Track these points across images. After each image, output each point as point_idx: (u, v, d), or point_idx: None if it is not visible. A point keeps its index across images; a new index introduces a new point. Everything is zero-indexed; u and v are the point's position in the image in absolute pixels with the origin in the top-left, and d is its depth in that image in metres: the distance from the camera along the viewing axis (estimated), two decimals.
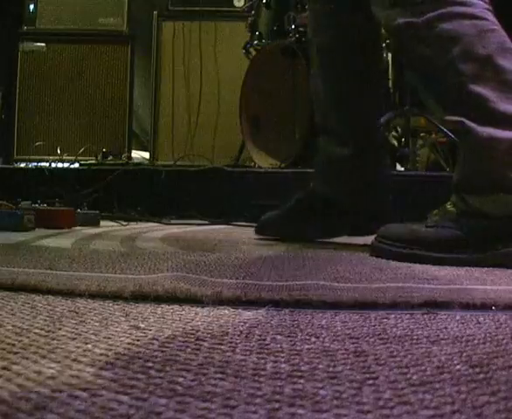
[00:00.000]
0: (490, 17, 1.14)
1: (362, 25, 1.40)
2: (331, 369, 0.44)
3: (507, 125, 1.06)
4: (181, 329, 0.56)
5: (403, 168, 3.06)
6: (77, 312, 0.62)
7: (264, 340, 0.53)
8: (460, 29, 1.12)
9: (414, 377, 0.42)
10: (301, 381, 0.41)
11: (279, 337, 0.54)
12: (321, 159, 1.56)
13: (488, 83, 1.08)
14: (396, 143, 3.08)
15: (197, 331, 0.55)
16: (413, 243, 1.15)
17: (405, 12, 1.18)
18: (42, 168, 2.60)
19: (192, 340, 0.52)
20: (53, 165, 2.84)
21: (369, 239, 1.28)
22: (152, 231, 1.78)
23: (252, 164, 2.79)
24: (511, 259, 1.06)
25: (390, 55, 3.30)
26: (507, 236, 1.08)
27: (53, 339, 0.51)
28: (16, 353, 0.46)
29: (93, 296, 0.71)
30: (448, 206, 1.18)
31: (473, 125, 1.08)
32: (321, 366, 0.45)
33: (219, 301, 0.70)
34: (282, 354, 0.48)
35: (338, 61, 1.46)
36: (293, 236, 1.51)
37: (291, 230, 1.53)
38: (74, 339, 0.51)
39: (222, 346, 0.50)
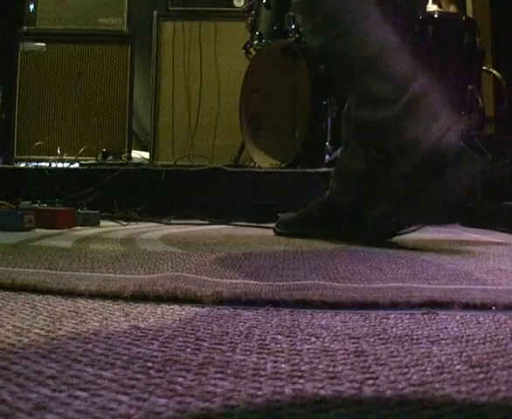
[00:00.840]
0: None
1: None
2: (331, 369, 0.44)
3: (385, 103, 1.29)
4: (181, 329, 0.56)
5: None
6: (77, 312, 0.62)
7: (264, 339, 0.53)
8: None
9: (414, 377, 0.42)
10: (301, 381, 0.41)
11: (279, 337, 0.54)
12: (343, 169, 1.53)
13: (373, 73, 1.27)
14: None
15: (197, 331, 0.55)
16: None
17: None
18: (42, 168, 2.60)
19: (192, 339, 0.52)
20: (53, 165, 2.84)
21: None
22: (152, 231, 1.78)
23: (252, 164, 2.79)
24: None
25: None
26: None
27: (53, 338, 0.51)
28: (16, 352, 0.46)
29: (93, 296, 0.71)
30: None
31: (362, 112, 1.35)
32: (321, 366, 0.45)
33: (219, 301, 0.70)
34: (282, 354, 0.48)
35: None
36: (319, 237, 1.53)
37: (319, 231, 1.55)
38: (74, 338, 0.51)
39: (222, 346, 0.50)
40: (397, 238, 1.43)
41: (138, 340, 0.51)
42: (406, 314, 0.64)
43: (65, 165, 2.85)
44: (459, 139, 1.22)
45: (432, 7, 3.41)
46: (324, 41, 1.35)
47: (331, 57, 1.37)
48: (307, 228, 1.56)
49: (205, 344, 0.50)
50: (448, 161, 1.20)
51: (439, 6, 3.42)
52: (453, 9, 3.47)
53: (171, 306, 0.67)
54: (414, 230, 1.57)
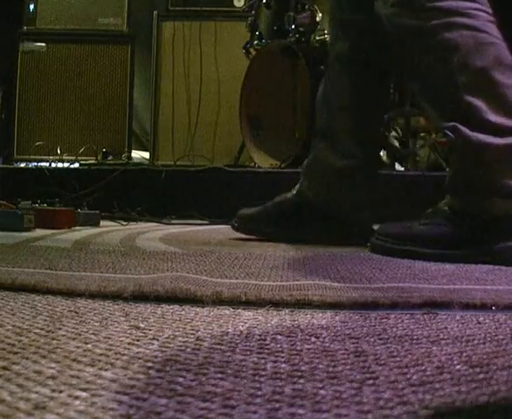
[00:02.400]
0: (491, 29, 1.17)
1: (380, 38, 1.34)
2: (331, 369, 0.44)
3: (495, 133, 1.11)
4: (181, 329, 0.56)
5: (403, 168, 3.06)
6: (77, 312, 0.62)
7: (264, 339, 0.53)
8: (460, 39, 1.14)
9: (414, 377, 0.42)
10: (301, 381, 0.41)
11: (279, 337, 0.54)
12: (317, 165, 1.50)
13: (481, 94, 1.12)
14: (397, 144, 3.08)
15: (197, 331, 0.55)
16: (407, 239, 1.20)
17: (412, 15, 1.19)
18: (42, 168, 2.60)
19: (192, 339, 0.52)
20: (53, 165, 2.84)
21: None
22: (152, 231, 1.78)
23: (252, 164, 2.79)
24: (498, 256, 1.10)
25: None
26: (494, 235, 1.12)
27: (53, 339, 0.51)
28: (16, 353, 0.46)
29: (93, 296, 0.71)
30: (441, 205, 1.22)
31: (464, 129, 1.12)
32: (321, 366, 0.45)
33: (219, 301, 0.70)
34: (282, 354, 0.48)
35: (355, 71, 1.44)
36: (275, 238, 1.47)
37: (276, 230, 1.50)
38: (74, 339, 0.51)
39: (222, 347, 0.50)
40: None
41: (138, 340, 0.51)
42: (406, 314, 0.64)
43: (65, 165, 2.85)
44: None
45: None
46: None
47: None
48: (270, 227, 1.49)
49: (205, 344, 0.50)
50: None
51: None
52: None
53: (171, 306, 0.67)
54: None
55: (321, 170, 1.49)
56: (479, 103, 1.11)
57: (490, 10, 1.20)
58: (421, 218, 1.22)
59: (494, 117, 1.11)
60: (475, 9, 1.17)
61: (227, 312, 0.65)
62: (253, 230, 1.52)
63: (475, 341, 0.53)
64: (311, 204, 1.47)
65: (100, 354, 0.46)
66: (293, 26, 2.67)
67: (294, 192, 1.51)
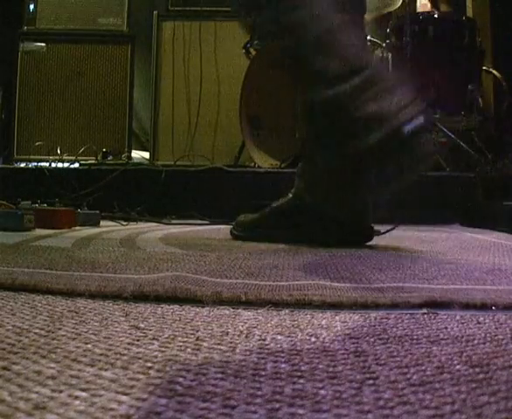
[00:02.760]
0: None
1: None
2: (331, 369, 0.44)
3: (341, 81, 1.19)
4: (181, 329, 0.56)
5: None
6: (77, 312, 0.62)
7: (264, 340, 0.53)
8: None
9: (414, 377, 0.42)
10: (301, 381, 0.41)
11: (279, 337, 0.54)
12: (309, 166, 1.49)
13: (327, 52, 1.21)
14: None
15: (197, 331, 0.55)
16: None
17: None
18: (42, 168, 2.60)
19: (192, 339, 0.52)
20: (53, 165, 2.84)
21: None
22: (152, 231, 1.78)
23: (252, 164, 2.79)
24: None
25: (390, 55, 3.31)
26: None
27: (53, 339, 0.51)
28: (16, 353, 0.46)
29: (93, 296, 0.71)
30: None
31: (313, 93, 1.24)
32: (321, 366, 0.45)
33: (219, 301, 0.70)
34: (282, 354, 0.48)
35: None
36: (274, 241, 1.46)
37: (275, 233, 1.48)
38: (74, 339, 0.51)
39: (222, 347, 0.50)
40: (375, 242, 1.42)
41: (138, 340, 0.51)
42: (406, 314, 0.64)
43: (65, 165, 2.85)
44: (419, 114, 1.17)
45: (427, 5, 3.42)
46: (275, 14, 1.25)
47: (283, 32, 1.27)
48: (268, 230, 1.48)
49: (205, 344, 0.50)
50: (409, 135, 1.17)
51: (433, 5, 3.43)
52: (444, 8, 3.48)
53: (171, 306, 0.67)
54: (391, 230, 1.58)
55: (315, 171, 1.48)
56: (324, 62, 1.20)
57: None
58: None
59: (338, 70, 1.17)
60: None
61: (227, 312, 0.65)
62: (252, 236, 1.51)
63: (475, 341, 0.53)
64: (308, 206, 1.47)
65: (100, 354, 0.46)
66: None
67: (291, 195, 1.51)
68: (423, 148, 1.15)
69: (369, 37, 3.35)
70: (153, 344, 0.50)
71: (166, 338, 0.52)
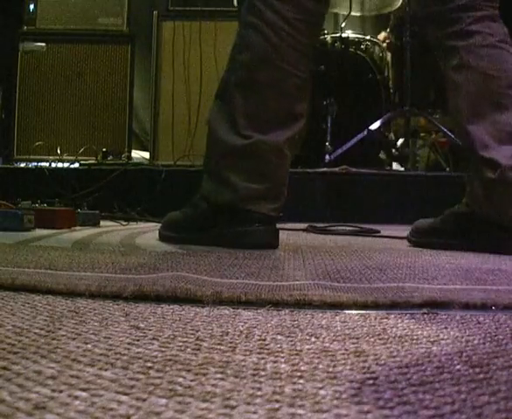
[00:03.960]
0: (285, 53, 1.31)
1: None
2: (331, 369, 0.44)
3: (234, 133, 1.33)
4: (181, 329, 0.56)
5: (403, 168, 3.06)
6: (77, 312, 0.62)
7: (264, 340, 0.53)
8: (253, 44, 1.33)
9: (414, 377, 0.42)
10: (301, 381, 0.41)
11: (279, 337, 0.54)
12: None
13: (243, 97, 1.32)
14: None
15: (197, 331, 0.55)
16: (165, 225, 1.48)
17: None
18: (42, 168, 2.60)
19: (192, 339, 0.52)
20: (53, 165, 2.84)
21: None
22: (152, 231, 1.78)
23: None
24: (223, 240, 1.30)
25: (389, 55, 3.31)
26: (217, 220, 1.33)
27: (53, 339, 0.51)
28: (16, 353, 0.46)
29: (93, 296, 0.71)
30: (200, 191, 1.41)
31: (217, 126, 1.36)
32: (321, 366, 0.45)
33: (219, 301, 0.70)
34: (282, 354, 0.48)
35: None
36: (454, 248, 1.39)
37: (455, 242, 1.40)
38: (74, 339, 0.51)
39: (222, 347, 0.50)
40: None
41: (138, 340, 0.51)
42: (406, 314, 0.64)
43: (65, 165, 2.85)
44: None
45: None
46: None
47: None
48: (448, 237, 1.40)
49: (205, 344, 0.50)
50: None
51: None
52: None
53: (171, 306, 0.67)
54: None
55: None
56: (237, 102, 1.33)
57: (306, 39, 1.34)
58: (188, 205, 1.44)
59: (239, 121, 1.32)
60: (286, 31, 1.31)
61: (227, 312, 0.65)
62: (431, 242, 1.44)
63: (475, 341, 0.53)
64: (473, 214, 1.38)
65: (100, 354, 0.46)
66: None
67: (464, 202, 1.43)
68: None
69: (368, 37, 3.36)
70: (153, 344, 0.50)
71: (166, 338, 0.52)
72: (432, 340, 0.53)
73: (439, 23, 1.38)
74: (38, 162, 3.01)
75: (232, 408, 0.35)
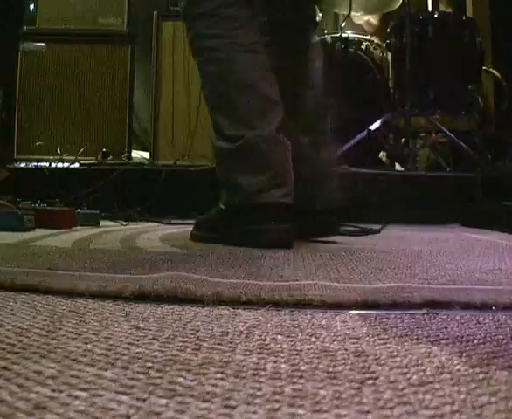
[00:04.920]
0: (238, 58, 1.42)
1: None
2: (331, 369, 0.44)
3: (230, 141, 1.41)
4: (181, 329, 0.56)
5: (403, 168, 3.06)
6: (77, 312, 0.62)
7: (264, 340, 0.53)
8: (209, 71, 1.46)
9: (414, 377, 0.42)
10: (301, 381, 0.41)
11: (279, 337, 0.54)
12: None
13: (221, 112, 1.44)
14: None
15: (197, 331, 0.55)
16: (196, 226, 1.55)
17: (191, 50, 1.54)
18: (42, 168, 2.59)
19: (192, 339, 0.52)
20: (53, 165, 2.84)
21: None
22: (152, 231, 1.78)
23: None
24: (235, 240, 1.35)
25: (390, 55, 3.31)
26: (233, 220, 1.39)
27: (53, 339, 0.51)
28: (16, 353, 0.46)
29: (93, 296, 0.71)
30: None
31: (214, 139, 1.48)
32: (321, 366, 0.45)
33: (219, 301, 0.70)
34: (282, 354, 0.48)
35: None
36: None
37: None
38: (74, 339, 0.51)
39: (222, 347, 0.50)
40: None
41: (138, 340, 0.51)
42: (406, 314, 0.64)
43: (65, 165, 2.85)
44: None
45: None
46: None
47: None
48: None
49: (205, 344, 0.50)
50: None
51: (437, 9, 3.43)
52: (444, 8, 3.49)
53: (171, 306, 0.67)
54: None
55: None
56: (220, 120, 1.44)
57: (248, 41, 1.43)
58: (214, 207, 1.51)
59: (228, 130, 1.41)
60: (228, 44, 1.42)
61: (227, 312, 0.65)
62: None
63: (475, 341, 0.53)
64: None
65: (100, 354, 0.46)
66: None
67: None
68: None
69: (368, 37, 3.36)
70: (153, 344, 0.50)
71: (166, 338, 0.52)
72: (432, 339, 0.53)
73: None
74: (38, 162, 3.01)
75: (232, 408, 0.35)
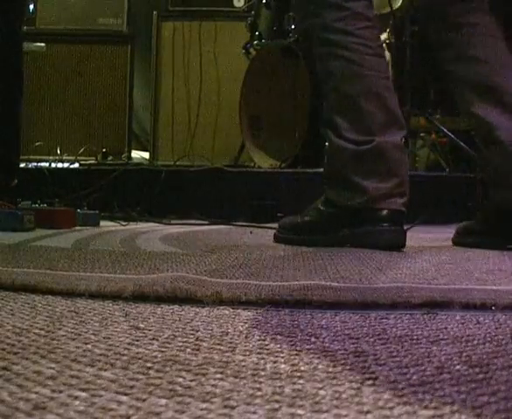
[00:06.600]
0: (368, 62, 1.39)
1: None
2: (331, 369, 0.44)
3: (350, 142, 1.38)
4: (181, 329, 0.56)
5: None
6: (77, 312, 0.62)
7: (264, 340, 0.53)
8: (335, 68, 1.41)
9: (414, 377, 0.42)
10: (301, 381, 0.41)
11: (279, 337, 0.54)
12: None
13: (343, 115, 1.39)
14: None
15: (197, 331, 0.55)
16: (290, 229, 1.48)
17: (313, 42, 1.48)
18: (42, 168, 2.59)
19: (192, 340, 0.52)
20: (53, 165, 2.84)
21: None
22: (152, 231, 1.78)
23: (252, 164, 2.79)
24: (355, 240, 1.33)
25: (389, 55, 3.31)
26: (346, 222, 1.37)
27: (53, 339, 0.51)
28: (16, 353, 0.46)
29: (93, 296, 0.71)
30: (319, 200, 1.46)
31: (330, 135, 1.42)
32: (321, 366, 0.45)
33: (219, 301, 0.70)
34: (282, 354, 0.48)
35: None
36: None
37: None
38: (74, 339, 0.51)
39: (222, 347, 0.50)
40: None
41: (138, 341, 0.51)
42: (406, 314, 0.64)
43: (65, 165, 2.85)
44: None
45: None
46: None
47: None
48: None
49: (205, 344, 0.50)
50: None
51: None
52: None
53: (171, 306, 0.67)
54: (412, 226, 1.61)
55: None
56: (339, 120, 1.39)
57: (375, 43, 1.43)
58: (306, 210, 1.48)
59: (350, 134, 1.38)
60: (357, 43, 1.39)
61: (227, 312, 0.65)
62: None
63: (475, 341, 0.53)
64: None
65: (100, 355, 0.46)
66: (293, 26, 2.67)
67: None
68: None
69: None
70: (153, 344, 0.50)
71: (166, 338, 0.52)
72: (432, 339, 0.53)
73: (437, 16, 1.50)
74: (37, 162, 3.00)
75: (232, 408, 0.35)
